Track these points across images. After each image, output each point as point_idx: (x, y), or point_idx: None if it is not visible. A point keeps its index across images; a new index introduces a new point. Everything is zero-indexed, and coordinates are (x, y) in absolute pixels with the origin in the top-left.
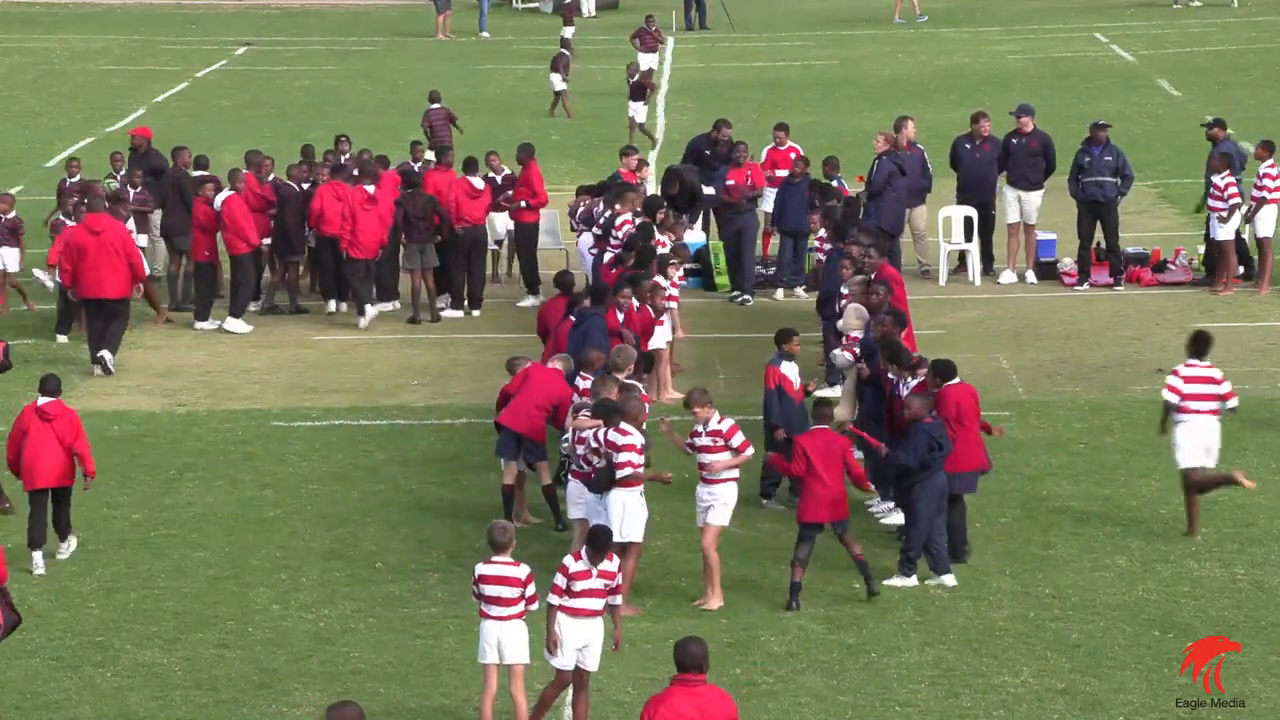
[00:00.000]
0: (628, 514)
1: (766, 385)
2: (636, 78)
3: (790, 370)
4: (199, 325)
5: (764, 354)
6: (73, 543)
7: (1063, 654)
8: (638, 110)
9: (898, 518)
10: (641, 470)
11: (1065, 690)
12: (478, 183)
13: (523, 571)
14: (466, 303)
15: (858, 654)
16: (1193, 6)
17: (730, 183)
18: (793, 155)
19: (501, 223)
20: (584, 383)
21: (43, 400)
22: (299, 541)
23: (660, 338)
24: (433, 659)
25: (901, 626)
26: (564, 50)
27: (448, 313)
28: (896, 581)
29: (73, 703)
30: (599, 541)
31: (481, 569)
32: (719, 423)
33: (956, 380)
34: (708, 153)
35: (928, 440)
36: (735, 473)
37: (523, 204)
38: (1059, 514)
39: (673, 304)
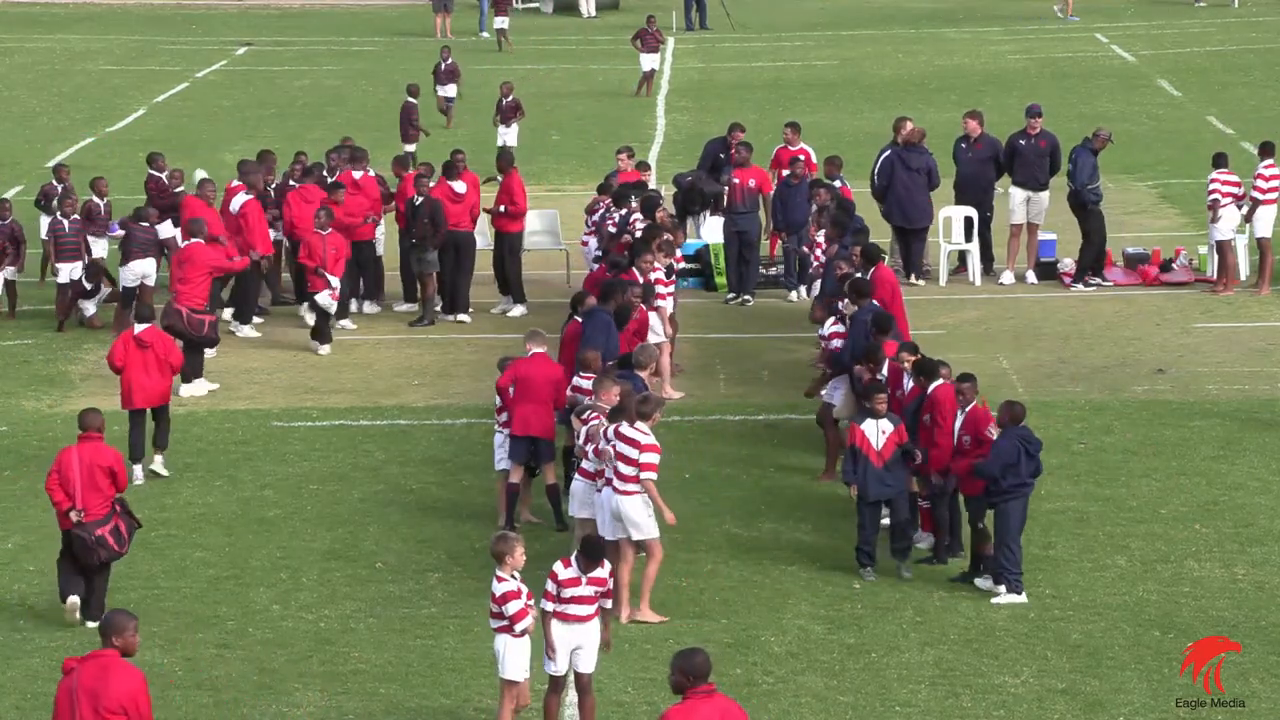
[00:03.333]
0: (644, 515)
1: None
2: (510, 98)
3: (871, 429)
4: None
5: (764, 354)
6: (160, 463)
7: (1063, 654)
8: (508, 136)
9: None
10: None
11: (1065, 690)
12: (459, 187)
13: (498, 589)
14: (453, 307)
15: (858, 654)
16: (1198, 6)
17: (735, 182)
18: (801, 157)
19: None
20: (584, 383)
21: (139, 328)
22: (299, 541)
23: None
24: (433, 659)
25: (902, 627)
26: (445, 58)
27: (442, 316)
28: (1006, 599)
29: None
30: (591, 551)
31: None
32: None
33: (940, 380)
34: (722, 156)
35: (1015, 445)
36: (635, 486)
37: (501, 209)
38: (1059, 514)
39: (662, 303)
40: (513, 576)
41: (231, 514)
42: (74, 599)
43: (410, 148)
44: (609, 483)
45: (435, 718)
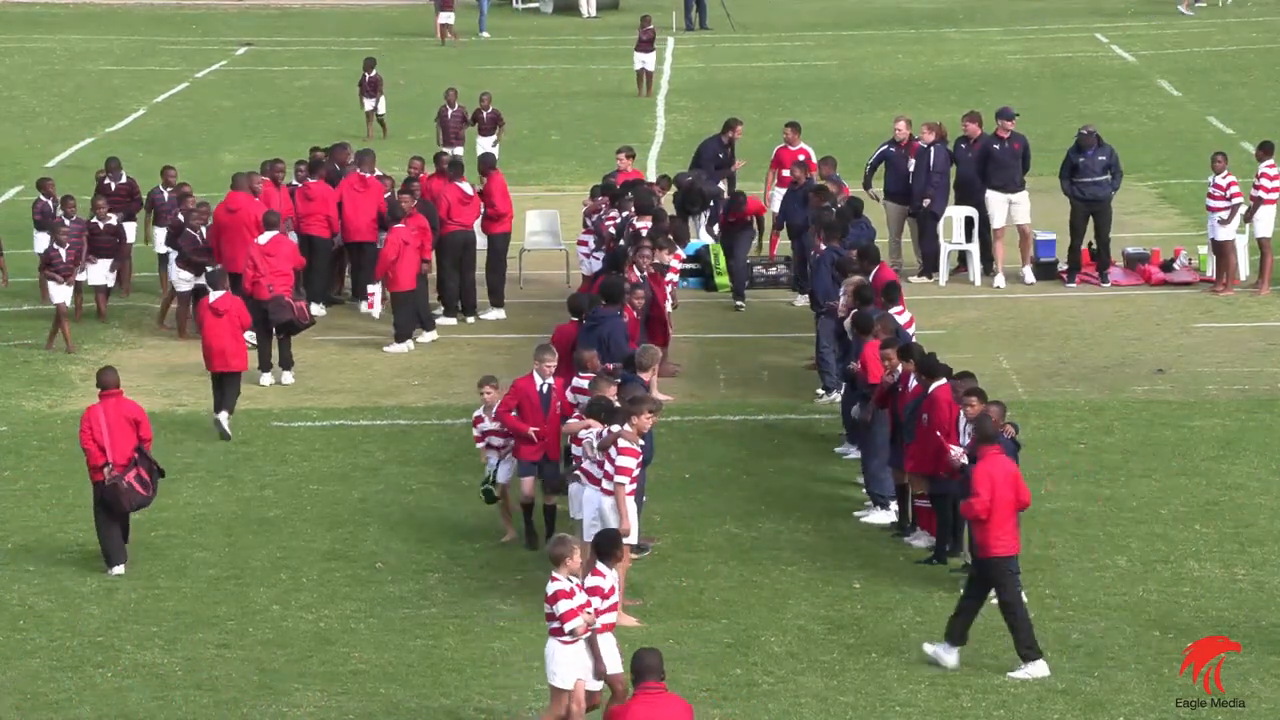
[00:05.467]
0: (625, 514)
1: None
2: (490, 110)
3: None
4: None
5: (764, 354)
6: (225, 420)
7: (1063, 654)
8: (489, 148)
9: (878, 516)
10: (629, 488)
11: (1065, 690)
12: (467, 188)
13: (549, 587)
14: (461, 309)
15: (858, 654)
16: (1199, 6)
17: (732, 220)
18: (801, 157)
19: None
20: (583, 383)
21: (214, 296)
22: (299, 542)
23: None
24: (433, 659)
25: (901, 627)
26: (368, 70)
27: (440, 320)
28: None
29: (73, 703)
30: (607, 547)
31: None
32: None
33: (944, 380)
34: (720, 156)
35: (1012, 449)
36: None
37: (482, 210)
38: (1059, 514)
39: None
40: (569, 579)
41: (231, 514)
42: (119, 569)
43: (451, 151)
44: (595, 482)
45: (435, 718)
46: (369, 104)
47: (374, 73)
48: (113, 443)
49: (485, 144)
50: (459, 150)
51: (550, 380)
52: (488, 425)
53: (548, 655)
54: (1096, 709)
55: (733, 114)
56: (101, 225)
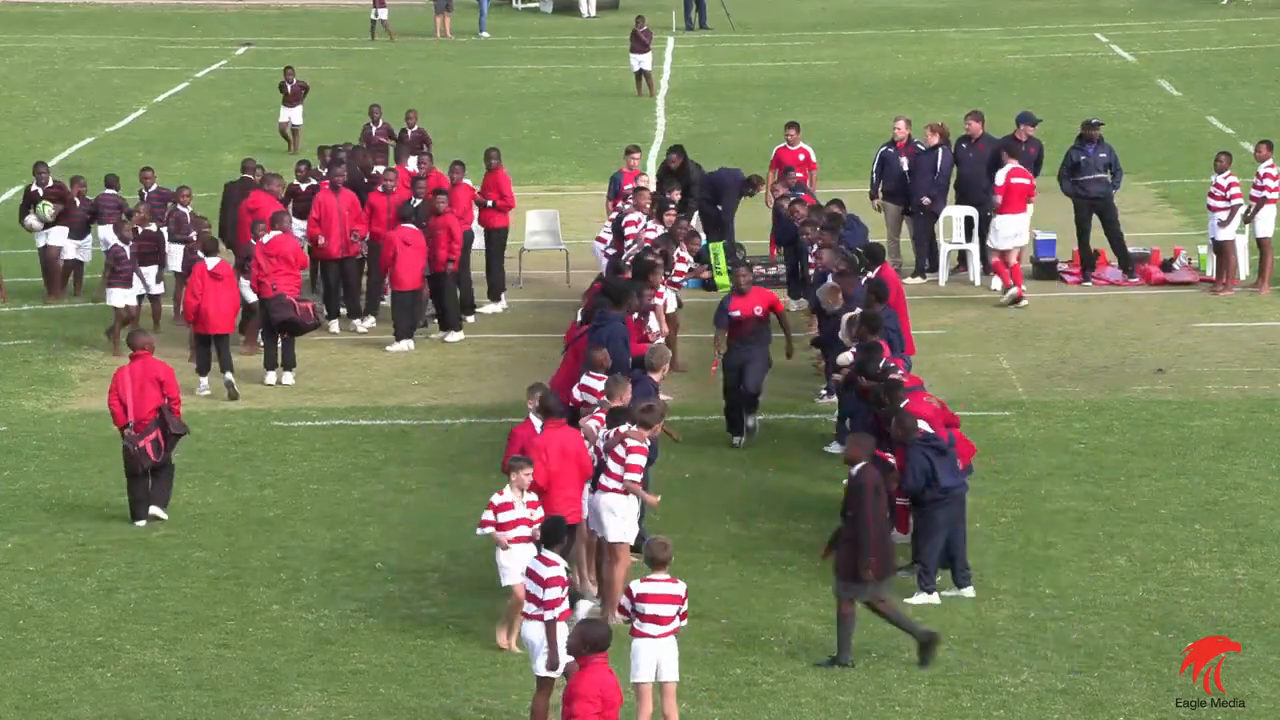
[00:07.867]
0: (617, 516)
1: None
2: (415, 128)
3: None
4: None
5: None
6: (232, 378)
7: (1063, 654)
8: (412, 164)
9: None
10: (638, 482)
11: (1065, 690)
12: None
13: (681, 588)
14: (461, 308)
15: (858, 654)
16: (1223, 5)
17: (737, 314)
18: (801, 156)
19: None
20: (595, 383)
21: (211, 263)
22: (299, 541)
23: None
24: (433, 659)
25: None
26: (289, 78)
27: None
28: (919, 600)
29: (73, 703)
30: (554, 533)
31: (641, 588)
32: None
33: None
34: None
35: (922, 458)
36: (616, 484)
37: (489, 203)
38: (1059, 514)
39: (657, 301)
40: (665, 579)
41: (231, 514)
42: (142, 522)
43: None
44: (598, 483)
45: (435, 718)
46: (285, 114)
47: (295, 82)
48: (135, 403)
49: (412, 164)
50: (381, 169)
51: None
52: (520, 513)
53: (670, 654)
54: (1096, 709)
55: (737, 115)
56: (140, 230)
